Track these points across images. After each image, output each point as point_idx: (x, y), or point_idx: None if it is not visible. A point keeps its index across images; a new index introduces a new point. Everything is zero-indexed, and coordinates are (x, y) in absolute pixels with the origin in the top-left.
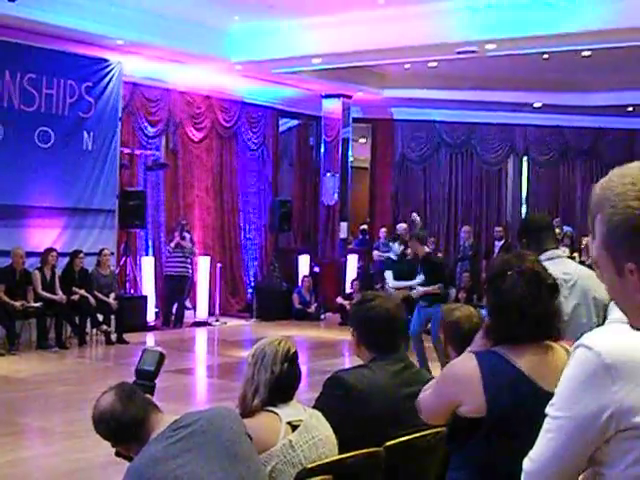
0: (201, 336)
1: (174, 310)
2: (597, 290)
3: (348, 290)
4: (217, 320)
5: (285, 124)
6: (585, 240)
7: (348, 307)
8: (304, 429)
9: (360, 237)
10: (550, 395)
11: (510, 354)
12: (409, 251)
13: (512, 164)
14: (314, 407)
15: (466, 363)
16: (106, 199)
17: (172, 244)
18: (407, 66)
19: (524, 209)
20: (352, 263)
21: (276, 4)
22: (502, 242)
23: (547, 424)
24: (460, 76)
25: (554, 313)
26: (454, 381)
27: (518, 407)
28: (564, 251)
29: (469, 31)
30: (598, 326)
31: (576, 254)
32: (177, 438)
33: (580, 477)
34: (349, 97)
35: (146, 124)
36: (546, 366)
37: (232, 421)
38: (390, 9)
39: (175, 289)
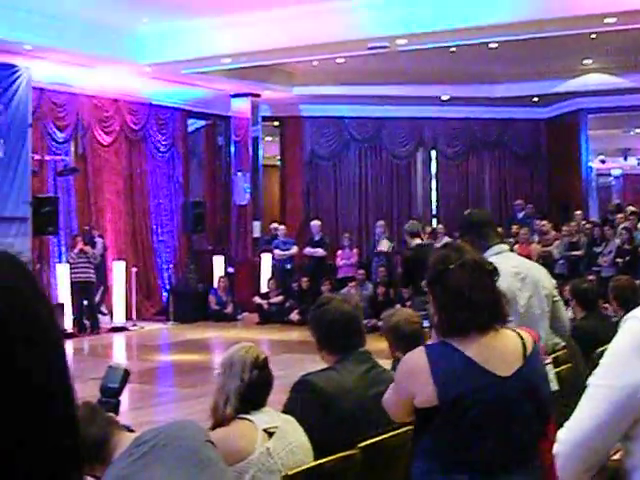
0: (119, 341)
1: (85, 317)
2: (544, 281)
3: (264, 289)
4: (134, 325)
5: (192, 125)
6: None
7: (265, 306)
8: (280, 435)
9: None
10: (503, 379)
11: (458, 343)
12: None
13: (421, 157)
14: (283, 412)
15: (414, 355)
16: (18, 206)
17: (75, 250)
18: (315, 63)
19: (434, 202)
20: (267, 262)
21: (184, 4)
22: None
23: (588, 394)
24: (368, 71)
25: (499, 297)
26: (405, 375)
27: (470, 394)
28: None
29: (380, 27)
30: (549, 316)
31: None
32: (139, 454)
33: (617, 455)
34: (258, 96)
35: (55, 129)
36: (495, 351)
37: (193, 430)
38: (301, 6)
39: (81, 295)
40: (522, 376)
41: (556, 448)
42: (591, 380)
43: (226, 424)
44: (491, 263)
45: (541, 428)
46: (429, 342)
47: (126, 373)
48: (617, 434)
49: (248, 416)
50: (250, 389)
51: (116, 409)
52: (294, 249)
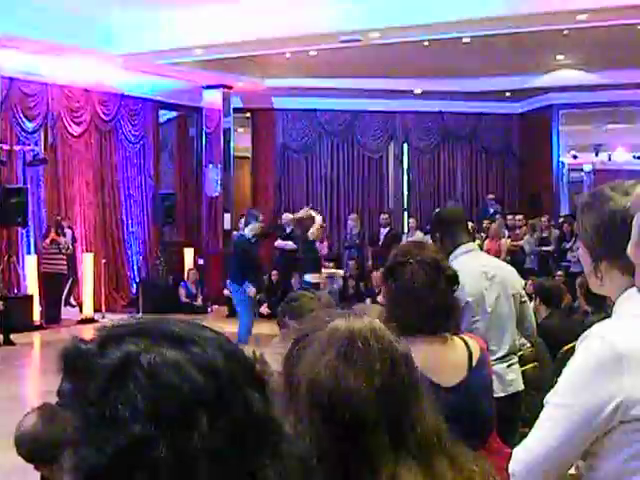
0: (88, 334)
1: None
2: (513, 282)
3: None
4: (103, 317)
5: (163, 116)
6: (470, 225)
7: None
8: None
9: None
10: (442, 389)
11: None
12: None
13: (393, 151)
14: None
15: None
16: None
17: (47, 240)
18: (288, 55)
19: (406, 195)
20: None
21: None
22: (387, 229)
23: (548, 413)
24: (341, 64)
25: (452, 305)
26: None
27: None
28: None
29: (352, 20)
30: (517, 318)
31: None
32: None
33: (572, 470)
34: (230, 87)
35: (24, 119)
36: (440, 360)
37: None
38: None
39: (53, 286)
40: (464, 388)
41: (512, 467)
42: (550, 399)
43: None
44: (451, 268)
45: (478, 442)
46: None
47: None
48: (576, 454)
49: None
50: None
51: None
52: None
